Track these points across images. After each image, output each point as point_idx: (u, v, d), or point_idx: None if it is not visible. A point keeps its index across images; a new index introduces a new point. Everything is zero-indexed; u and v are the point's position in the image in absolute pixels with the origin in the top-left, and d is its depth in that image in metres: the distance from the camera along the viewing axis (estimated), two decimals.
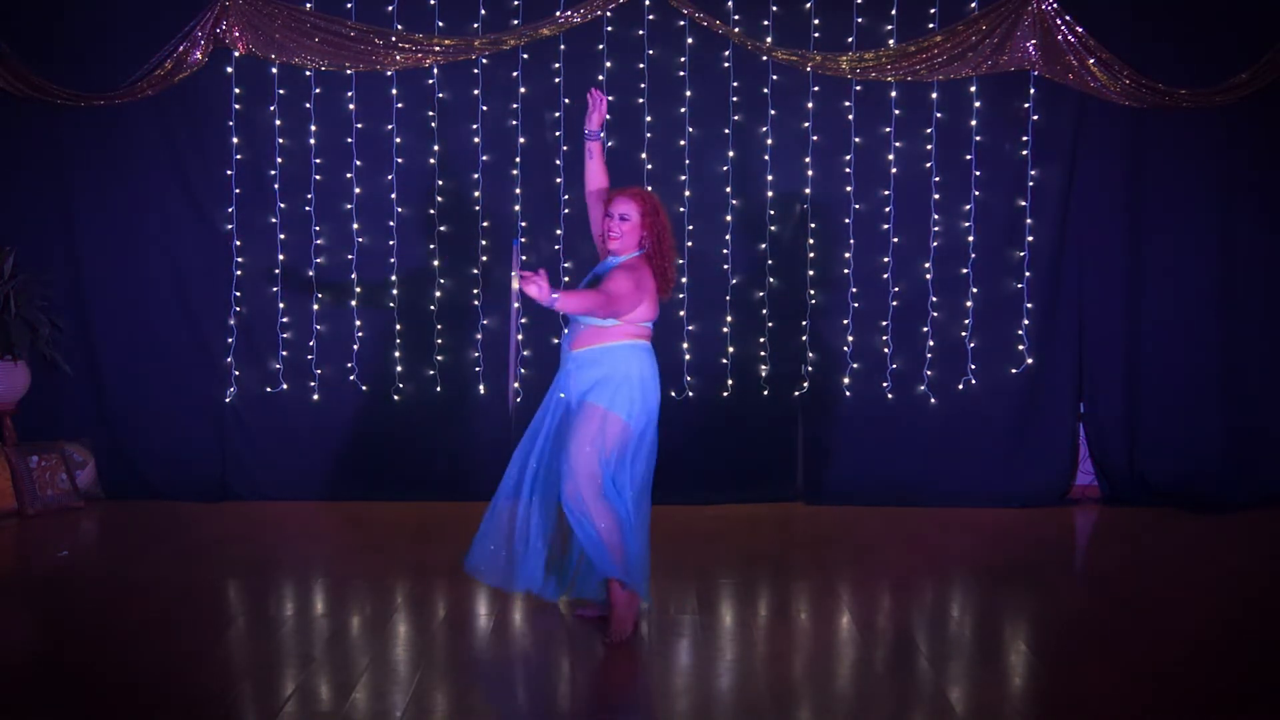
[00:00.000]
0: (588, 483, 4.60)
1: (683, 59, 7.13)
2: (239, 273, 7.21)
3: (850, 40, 7.09)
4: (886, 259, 7.21)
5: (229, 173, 7.17)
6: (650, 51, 7.13)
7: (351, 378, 7.25)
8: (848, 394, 7.25)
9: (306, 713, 4.02)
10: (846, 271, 7.21)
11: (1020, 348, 7.22)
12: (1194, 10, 7.06)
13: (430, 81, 7.16)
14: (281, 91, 7.14)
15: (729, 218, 7.19)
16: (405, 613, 5.07)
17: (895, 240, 7.20)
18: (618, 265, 4.76)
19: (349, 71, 7.10)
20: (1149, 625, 4.99)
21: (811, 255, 7.22)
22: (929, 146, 7.15)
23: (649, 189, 5.82)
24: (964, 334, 7.22)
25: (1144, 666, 4.46)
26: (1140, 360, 7.22)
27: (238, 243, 7.20)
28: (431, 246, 7.20)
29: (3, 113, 7.05)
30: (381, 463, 7.24)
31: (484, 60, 7.14)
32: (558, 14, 7.02)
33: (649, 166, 7.15)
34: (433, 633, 4.83)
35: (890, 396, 7.24)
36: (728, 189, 7.18)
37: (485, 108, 7.17)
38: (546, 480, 4.79)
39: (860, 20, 7.09)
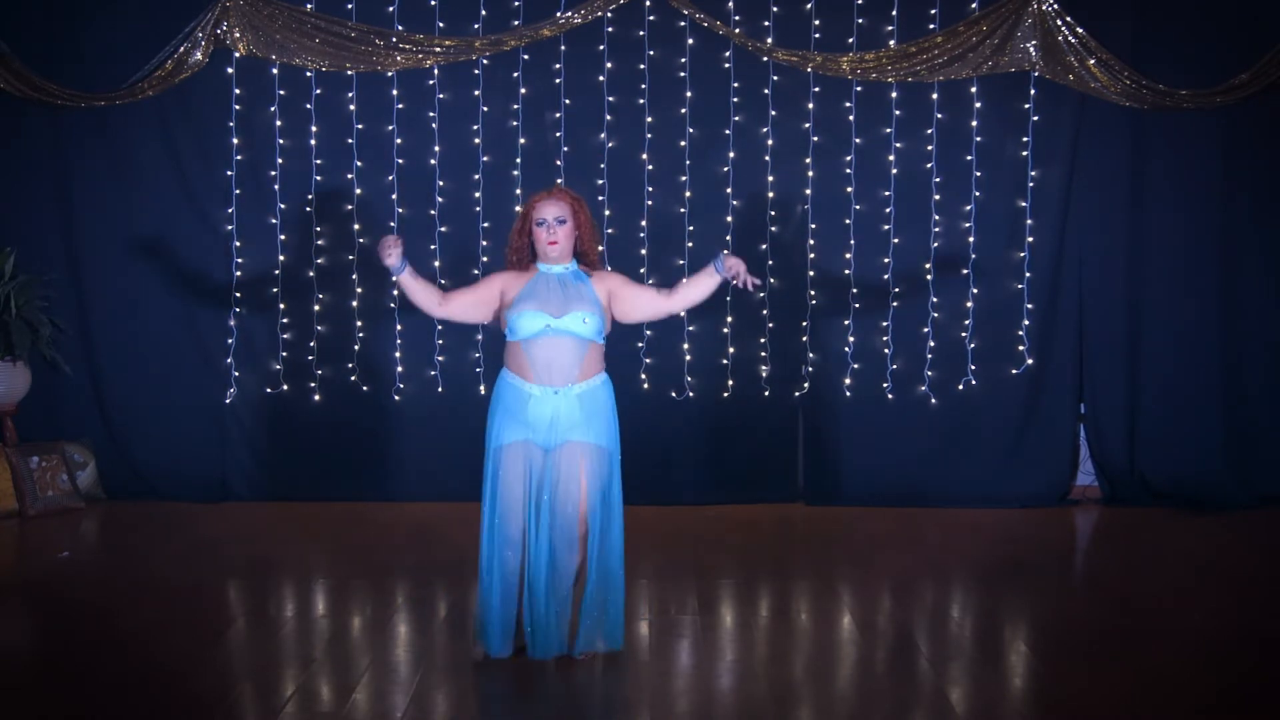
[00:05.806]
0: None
1: (683, 60, 7.13)
2: (239, 273, 7.21)
3: (851, 41, 7.09)
4: (886, 259, 7.21)
5: (229, 173, 7.17)
6: (651, 52, 7.13)
7: (352, 378, 7.25)
8: (848, 394, 7.24)
9: (307, 713, 4.02)
10: (847, 272, 7.21)
11: (1020, 348, 7.22)
12: (1195, 11, 7.06)
13: (431, 82, 7.15)
14: (282, 92, 7.14)
15: (729, 218, 7.19)
16: (405, 613, 5.07)
17: (895, 240, 7.20)
18: (605, 275, 4.61)
19: (349, 72, 7.10)
20: (1149, 625, 4.99)
21: (812, 255, 7.22)
22: (929, 147, 7.15)
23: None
24: (964, 334, 7.22)
25: (1144, 666, 4.46)
26: (1140, 360, 7.22)
27: (238, 243, 7.19)
28: (432, 247, 7.20)
29: (3, 113, 7.05)
30: (381, 463, 7.24)
31: (484, 61, 7.13)
32: (558, 15, 7.02)
33: (650, 167, 7.15)
34: (433, 633, 4.83)
35: (891, 397, 7.24)
36: (728, 189, 7.18)
37: (486, 108, 7.16)
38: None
39: (861, 21, 7.08)
